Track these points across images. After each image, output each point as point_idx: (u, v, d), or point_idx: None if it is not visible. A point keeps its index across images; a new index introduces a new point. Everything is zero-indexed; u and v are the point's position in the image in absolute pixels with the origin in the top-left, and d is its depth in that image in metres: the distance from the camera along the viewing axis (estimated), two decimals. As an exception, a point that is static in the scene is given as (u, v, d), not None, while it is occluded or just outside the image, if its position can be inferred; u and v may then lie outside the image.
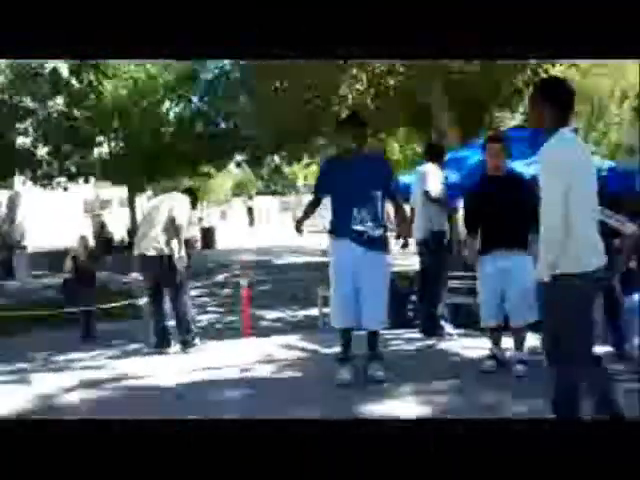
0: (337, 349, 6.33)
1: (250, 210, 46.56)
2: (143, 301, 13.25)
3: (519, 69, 12.85)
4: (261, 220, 46.01)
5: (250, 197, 55.15)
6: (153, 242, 7.80)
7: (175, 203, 8.00)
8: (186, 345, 7.99)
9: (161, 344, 8.09)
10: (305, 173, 43.82)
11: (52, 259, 21.31)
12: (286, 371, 6.66)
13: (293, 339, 8.31)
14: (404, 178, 10.20)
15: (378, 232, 5.98)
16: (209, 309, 12.22)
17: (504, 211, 5.86)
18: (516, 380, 5.84)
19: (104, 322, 10.74)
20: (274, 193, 65.49)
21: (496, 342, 6.23)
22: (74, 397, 6.15)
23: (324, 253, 6.30)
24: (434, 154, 8.05)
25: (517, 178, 6.37)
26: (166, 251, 7.76)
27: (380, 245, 6.02)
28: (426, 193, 7.55)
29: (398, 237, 6.31)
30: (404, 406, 5.29)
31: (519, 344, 6.15)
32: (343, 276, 5.97)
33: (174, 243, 7.77)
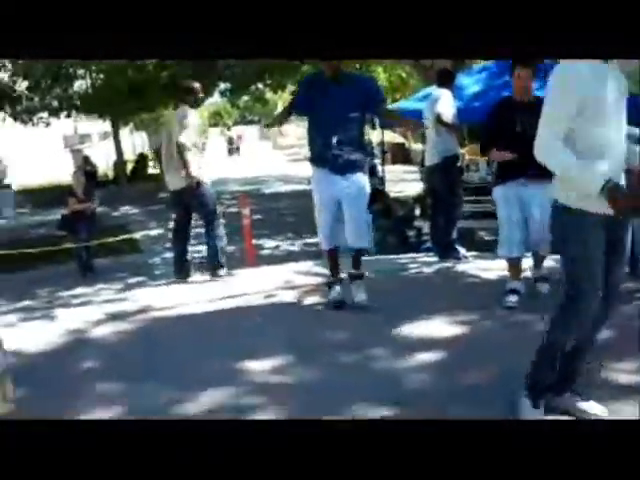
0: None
1: (230, 140, 46.01)
2: (139, 235, 13.34)
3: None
4: (241, 150, 45.51)
5: (228, 127, 54.56)
6: (177, 175, 7.69)
7: (177, 126, 7.69)
8: (215, 273, 7.99)
9: (183, 274, 8.08)
10: (285, 100, 43.37)
11: (37, 196, 21.21)
12: (309, 296, 6.69)
13: (307, 265, 8.31)
14: (414, 104, 10.18)
15: (356, 155, 5.92)
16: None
17: (528, 138, 5.70)
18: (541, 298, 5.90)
19: (101, 257, 10.72)
20: (250, 122, 64.99)
21: (516, 275, 5.99)
22: (103, 330, 6.16)
23: (309, 181, 6.28)
24: (445, 79, 8.00)
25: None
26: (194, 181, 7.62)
27: (358, 168, 5.97)
28: (438, 117, 7.52)
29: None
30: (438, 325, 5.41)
31: (539, 263, 6.14)
32: (325, 205, 6.02)
33: (197, 168, 7.62)
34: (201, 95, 8.25)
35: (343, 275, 6.30)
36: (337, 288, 6.23)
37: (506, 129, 5.72)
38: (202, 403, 4.24)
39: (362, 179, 6.02)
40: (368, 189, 6.11)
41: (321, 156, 5.94)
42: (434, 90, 8.00)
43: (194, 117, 7.81)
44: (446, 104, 7.58)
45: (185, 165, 7.51)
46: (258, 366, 4.82)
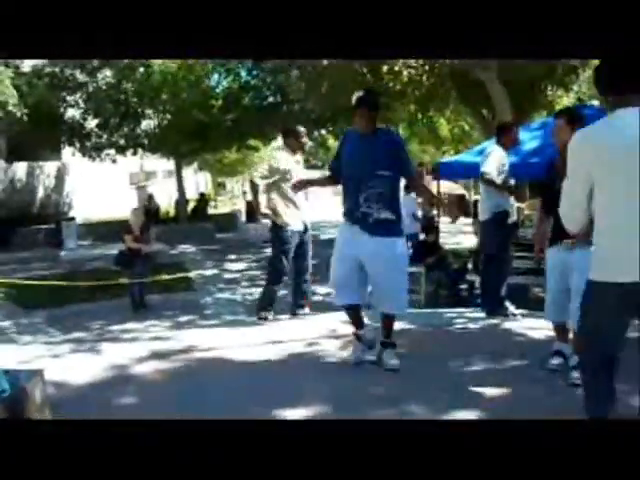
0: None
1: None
2: (194, 274, 13.50)
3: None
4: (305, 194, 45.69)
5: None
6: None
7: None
8: (296, 311, 8.21)
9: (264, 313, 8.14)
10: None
11: (100, 230, 21.67)
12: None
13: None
14: (473, 157, 10.13)
15: (386, 215, 5.66)
16: (259, 282, 12.28)
17: None
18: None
19: (155, 294, 10.85)
20: (314, 167, 65.42)
21: (563, 338, 5.73)
22: (147, 367, 6.18)
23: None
24: (502, 134, 7.84)
25: None
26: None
27: (388, 229, 5.70)
28: (481, 175, 7.48)
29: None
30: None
31: None
32: (343, 260, 5.82)
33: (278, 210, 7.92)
34: (304, 140, 8.34)
35: (364, 332, 6.05)
36: (359, 346, 6.03)
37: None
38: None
39: (395, 243, 5.74)
40: (404, 253, 5.92)
41: (349, 212, 5.79)
42: (488, 146, 7.92)
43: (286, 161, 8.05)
44: (492, 162, 7.45)
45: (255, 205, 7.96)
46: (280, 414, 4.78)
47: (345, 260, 5.81)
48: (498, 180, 7.43)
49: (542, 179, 6.01)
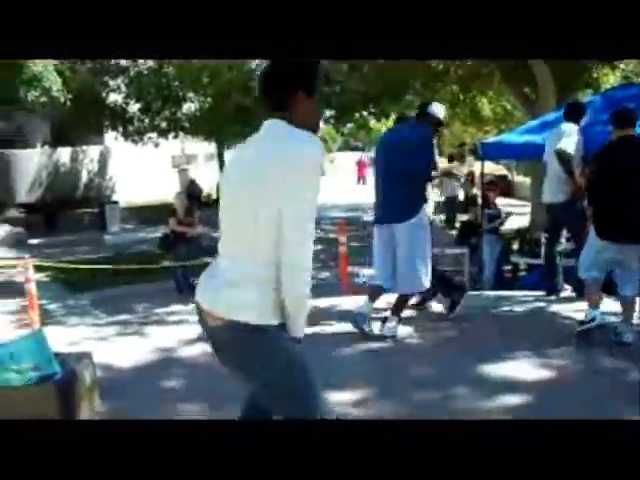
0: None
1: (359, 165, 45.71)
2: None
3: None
4: (345, 176, 45.56)
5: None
6: None
7: None
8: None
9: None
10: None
11: (143, 213, 21.87)
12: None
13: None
14: (517, 137, 9.99)
15: (407, 203, 6.13)
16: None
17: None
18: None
19: (197, 277, 10.88)
20: (355, 149, 65.20)
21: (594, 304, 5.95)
22: (192, 350, 6.23)
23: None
24: (574, 113, 7.43)
25: None
26: None
27: (410, 214, 6.10)
28: (559, 153, 7.09)
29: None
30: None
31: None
32: (377, 252, 6.41)
33: None
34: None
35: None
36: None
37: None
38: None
39: (412, 225, 6.10)
40: (421, 232, 6.15)
41: (376, 211, 6.40)
42: (562, 124, 7.42)
43: None
44: (571, 142, 7.10)
45: None
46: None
47: (378, 253, 6.44)
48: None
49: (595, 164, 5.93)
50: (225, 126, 21.41)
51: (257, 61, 21.54)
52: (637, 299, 5.98)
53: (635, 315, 6.00)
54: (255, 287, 2.56)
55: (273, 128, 2.67)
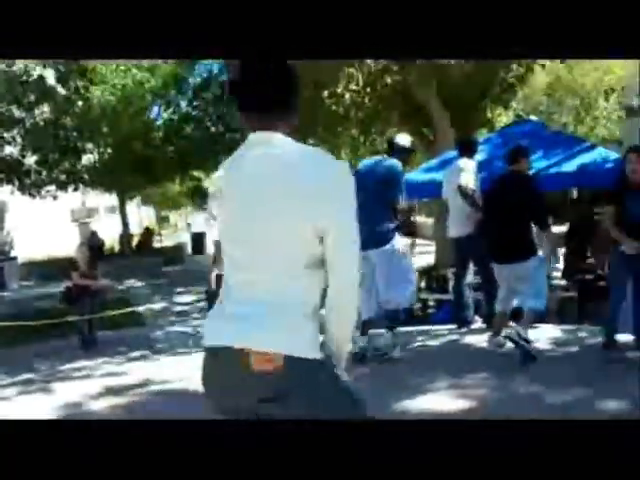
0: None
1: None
2: (143, 308, 13.28)
3: (507, 65, 12.90)
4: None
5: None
6: None
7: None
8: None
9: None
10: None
11: (42, 268, 21.22)
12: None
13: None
14: (420, 175, 10.16)
15: (383, 229, 6.26)
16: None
17: None
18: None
19: (104, 330, 10.61)
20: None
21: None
22: (100, 404, 6.03)
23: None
24: (467, 149, 7.72)
25: None
26: None
27: (386, 238, 6.25)
28: (460, 189, 7.26)
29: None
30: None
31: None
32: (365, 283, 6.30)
33: None
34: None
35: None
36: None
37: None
38: None
39: (388, 247, 6.24)
40: (397, 248, 6.31)
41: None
42: (458, 160, 7.65)
43: None
44: (469, 175, 7.32)
45: None
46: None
47: (365, 284, 6.36)
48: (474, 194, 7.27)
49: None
50: (126, 177, 21.13)
51: (156, 110, 21.47)
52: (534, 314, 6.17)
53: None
54: (310, 316, 2.21)
55: (281, 140, 2.24)
